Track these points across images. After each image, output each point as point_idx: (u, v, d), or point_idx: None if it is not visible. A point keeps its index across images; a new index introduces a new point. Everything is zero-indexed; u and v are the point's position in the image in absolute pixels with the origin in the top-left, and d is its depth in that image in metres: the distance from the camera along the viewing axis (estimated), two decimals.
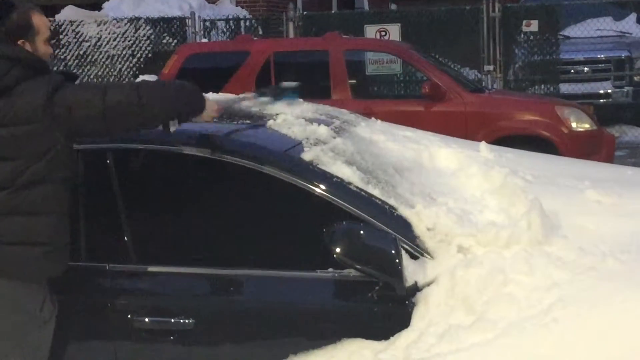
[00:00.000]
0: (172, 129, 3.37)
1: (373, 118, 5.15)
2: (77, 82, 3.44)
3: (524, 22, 13.75)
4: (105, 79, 15.20)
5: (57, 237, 3.27)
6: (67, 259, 3.34)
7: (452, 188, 3.89)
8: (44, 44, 3.37)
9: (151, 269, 3.54)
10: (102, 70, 15.30)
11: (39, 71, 3.26)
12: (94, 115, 3.18)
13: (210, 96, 4.82)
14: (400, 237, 3.35)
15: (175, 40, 15.37)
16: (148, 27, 15.49)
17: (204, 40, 15.01)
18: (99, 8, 16.38)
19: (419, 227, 3.41)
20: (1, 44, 3.24)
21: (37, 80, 3.21)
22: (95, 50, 15.28)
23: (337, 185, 3.52)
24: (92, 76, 15.23)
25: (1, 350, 3.24)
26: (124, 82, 3.47)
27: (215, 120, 3.62)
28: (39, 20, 3.35)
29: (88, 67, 15.15)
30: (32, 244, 3.20)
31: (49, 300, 3.31)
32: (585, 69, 14.39)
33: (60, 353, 3.45)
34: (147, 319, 3.45)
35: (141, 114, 3.23)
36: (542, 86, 13.96)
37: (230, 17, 16.21)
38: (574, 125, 9.35)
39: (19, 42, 3.29)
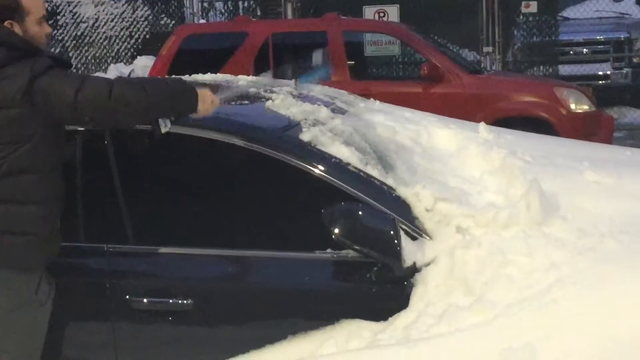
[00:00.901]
0: (163, 129, 3.28)
1: (372, 99, 5.14)
2: (70, 69, 3.38)
3: (523, 3, 13.73)
4: (104, 60, 15.17)
5: (40, 228, 3.21)
6: (54, 249, 3.30)
7: (451, 169, 3.88)
8: (36, 24, 3.28)
9: (149, 249, 3.54)
10: (99, 51, 15.27)
11: (25, 54, 3.17)
12: (67, 106, 3.10)
13: (208, 76, 4.82)
14: (398, 217, 3.34)
15: (173, 21, 15.35)
16: (146, 8, 15.46)
17: (202, 21, 14.98)
18: None
19: (418, 208, 3.41)
20: None
21: (21, 64, 3.12)
22: (93, 31, 15.25)
23: (336, 166, 3.51)
24: (89, 57, 15.20)
25: None
26: (107, 77, 3.38)
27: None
28: (30, 0, 3.26)
29: (86, 48, 15.12)
30: (14, 232, 3.16)
31: (45, 281, 3.29)
32: (585, 50, 14.37)
33: (59, 334, 3.45)
34: (145, 300, 3.46)
35: (116, 110, 3.14)
36: (541, 67, 13.95)
37: None
38: (572, 106, 9.34)
39: (6, 23, 3.20)
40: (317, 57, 4.27)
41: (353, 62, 10.32)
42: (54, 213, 3.27)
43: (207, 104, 3.35)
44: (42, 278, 3.27)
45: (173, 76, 3.68)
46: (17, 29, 3.23)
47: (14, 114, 3.10)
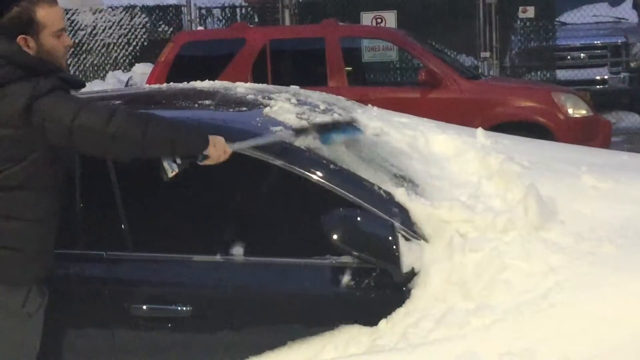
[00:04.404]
0: (169, 173, 3.22)
1: (369, 105, 5.14)
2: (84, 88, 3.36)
3: (520, 8, 13.77)
4: (102, 67, 15.19)
5: (30, 244, 3.16)
6: (44, 266, 3.24)
7: (449, 174, 3.89)
8: (53, 37, 3.20)
9: (148, 256, 3.54)
10: (97, 58, 15.30)
11: (31, 72, 3.11)
12: (61, 131, 3.06)
13: (206, 83, 4.79)
14: (397, 223, 3.35)
15: (171, 28, 15.39)
16: (144, 15, 15.50)
17: (200, 28, 15.01)
18: None
19: (416, 213, 3.41)
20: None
21: (23, 84, 3.07)
22: (91, 38, 15.28)
23: (334, 172, 3.51)
24: (87, 65, 15.22)
25: None
26: (107, 105, 3.29)
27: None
28: (46, 14, 3.17)
29: (84, 55, 15.15)
30: (4, 247, 3.12)
31: (35, 292, 3.23)
32: (582, 55, 14.39)
33: (59, 341, 3.46)
34: (144, 307, 3.46)
35: (110, 143, 3.08)
36: (539, 72, 13.98)
37: (226, 4, 16.20)
38: (570, 111, 9.36)
39: (20, 38, 3.15)
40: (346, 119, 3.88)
41: (351, 68, 10.34)
42: (46, 230, 3.21)
43: (218, 151, 3.27)
44: (31, 290, 3.21)
45: (191, 125, 3.50)
46: (31, 43, 3.17)
47: (11, 133, 3.06)
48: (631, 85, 13.99)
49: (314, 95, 4.69)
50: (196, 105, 4.20)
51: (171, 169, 3.22)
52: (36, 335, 3.28)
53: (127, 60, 15.30)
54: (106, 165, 3.60)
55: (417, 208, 3.43)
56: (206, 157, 3.27)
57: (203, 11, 15.67)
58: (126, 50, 15.42)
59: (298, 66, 10.62)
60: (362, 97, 8.02)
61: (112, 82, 14.23)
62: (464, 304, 3.15)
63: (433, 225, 3.40)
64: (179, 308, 3.43)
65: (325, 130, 3.73)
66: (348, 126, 3.94)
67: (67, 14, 14.91)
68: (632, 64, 14.16)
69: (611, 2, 15.57)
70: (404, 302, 3.25)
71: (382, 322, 3.24)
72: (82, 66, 15.13)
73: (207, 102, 4.16)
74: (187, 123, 3.54)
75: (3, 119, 3.06)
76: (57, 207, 3.25)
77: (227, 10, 15.99)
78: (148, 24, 15.48)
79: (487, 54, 13.53)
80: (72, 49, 15.07)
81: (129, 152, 3.15)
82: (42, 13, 3.17)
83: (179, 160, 3.23)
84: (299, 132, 3.62)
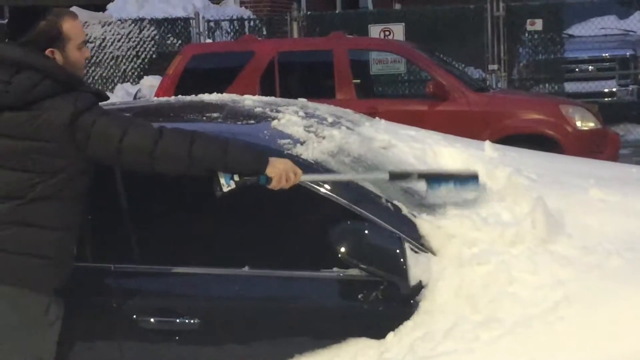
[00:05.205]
0: (225, 188, 3.23)
1: (377, 118, 5.15)
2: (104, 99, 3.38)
3: (528, 20, 13.78)
4: (110, 80, 15.23)
5: (61, 252, 3.25)
6: (68, 271, 3.32)
7: None
8: (77, 50, 3.28)
9: (156, 269, 3.55)
10: (106, 71, 15.34)
11: (68, 87, 3.17)
12: (109, 151, 3.15)
13: (214, 96, 4.78)
14: (404, 236, 3.35)
15: (179, 41, 15.42)
16: (152, 28, 15.53)
17: (208, 40, 15.05)
18: (103, 9, 16.42)
19: (423, 226, 3.41)
20: (31, 54, 3.17)
21: (65, 98, 3.14)
22: (100, 51, 15.32)
23: (342, 184, 3.52)
24: (96, 77, 15.27)
25: (2, 354, 3.22)
26: (150, 126, 3.44)
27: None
28: (71, 27, 3.26)
29: (93, 68, 15.19)
30: (36, 255, 3.18)
31: (55, 303, 3.30)
32: (590, 67, 14.40)
33: (66, 353, 3.45)
34: (152, 319, 3.46)
35: (158, 161, 3.17)
36: (547, 85, 13.99)
37: (234, 17, 16.25)
38: (578, 124, 9.35)
39: (48, 51, 3.21)
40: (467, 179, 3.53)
41: (359, 81, 10.35)
42: (72, 239, 3.29)
43: (281, 174, 3.26)
44: (52, 299, 3.28)
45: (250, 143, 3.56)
46: (58, 56, 3.22)
47: (53, 147, 3.13)
48: (639, 98, 13.98)
49: (322, 108, 4.69)
50: (204, 117, 4.22)
51: (227, 185, 3.25)
52: (53, 346, 3.33)
53: (136, 73, 15.34)
54: (114, 177, 3.61)
55: (424, 221, 3.43)
56: (268, 179, 3.27)
57: (211, 24, 15.71)
58: (135, 63, 15.46)
59: (306, 79, 10.64)
60: (370, 109, 8.04)
61: (120, 94, 14.26)
62: (472, 317, 3.15)
63: (440, 238, 3.40)
64: (187, 321, 3.44)
65: (430, 179, 3.63)
66: (466, 180, 3.69)
67: None
68: None
69: (619, 14, 15.58)
70: (411, 315, 3.25)
71: (390, 335, 3.23)
72: (91, 78, 15.17)
73: (215, 114, 4.17)
74: (248, 143, 3.54)
75: (44, 133, 3.12)
76: (82, 216, 3.33)
77: (235, 23, 16.03)
78: (157, 37, 15.52)
79: (495, 67, 13.54)
80: None
81: (176, 169, 3.23)
82: (67, 26, 3.24)
83: (236, 177, 3.25)
84: (396, 177, 3.59)
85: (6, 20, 3.21)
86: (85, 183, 3.28)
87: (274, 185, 3.27)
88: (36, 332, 3.26)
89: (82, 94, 3.20)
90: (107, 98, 3.47)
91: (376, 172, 3.68)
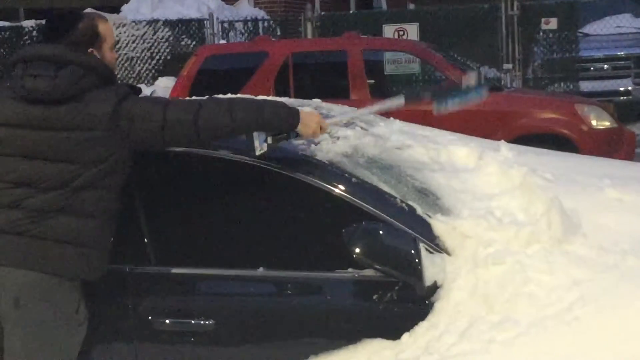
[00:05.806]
0: (258, 151, 3.38)
1: (391, 118, 5.14)
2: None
3: (543, 19, 13.74)
4: (125, 81, 15.27)
5: (101, 241, 3.32)
6: (105, 264, 3.37)
7: (471, 187, 3.88)
8: (110, 50, 3.47)
9: (171, 270, 3.56)
10: (121, 72, 15.38)
11: (107, 81, 3.34)
12: (153, 129, 3.26)
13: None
14: (419, 236, 3.35)
15: (193, 42, 15.45)
16: (166, 29, 15.58)
17: (222, 41, 15.07)
18: (118, 11, 16.48)
19: (438, 226, 3.41)
20: (73, 52, 3.30)
21: (106, 89, 3.29)
22: (115, 52, 15.35)
23: (356, 185, 3.52)
24: None
25: (30, 346, 3.25)
26: (188, 100, 3.59)
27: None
28: (105, 28, 3.45)
29: None
30: (75, 244, 3.24)
31: (84, 304, 3.35)
32: (605, 66, 14.34)
33: (82, 355, 3.46)
34: (167, 321, 3.47)
35: (201, 131, 3.29)
36: (562, 84, 13.94)
37: (248, 18, 16.28)
38: (594, 123, 9.30)
39: (89, 51, 3.37)
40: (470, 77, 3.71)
41: (373, 81, 10.34)
42: (109, 229, 3.36)
43: (312, 127, 3.45)
44: (82, 298, 3.33)
45: (273, 98, 3.81)
46: (97, 55, 3.39)
47: (98, 136, 3.23)
48: None
49: (336, 109, 4.69)
50: None
51: (260, 148, 3.39)
52: (78, 348, 3.37)
53: (150, 74, 15.39)
54: (129, 180, 3.61)
55: (439, 221, 3.42)
56: (297, 134, 3.45)
57: (225, 25, 15.73)
58: (149, 64, 15.51)
59: (320, 79, 10.63)
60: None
61: None
62: (487, 317, 3.14)
63: (455, 238, 3.39)
64: (202, 322, 3.44)
65: (440, 95, 3.83)
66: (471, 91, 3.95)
67: None
68: None
69: (635, 12, 15.51)
70: (426, 316, 3.24)
71: (405, 336, 3.23)
72: None
73: None
74: (278, 102, 3.61)
75: (89, 123, 3.23)
76: (120, 206, 3.41)
77: (249, 23, 16.06)
78: (171, 38, 15.57)
79: (510, 66, 13.50)
80: None
81: (219, 137, 3.40)
82: (102, 27, 3.44)
83: (269, 140, 3.39)
84: (411, 100, 3.78)
85: (43, 23, 3.39)
86: (125, 174, 3.38)
87: (301, 139, 3.52)
88: (66, 331, 3.29)
89: (120, 85, 3.39)
90: (141, 91, 3.56)
91: (392, 100, 3.78)
